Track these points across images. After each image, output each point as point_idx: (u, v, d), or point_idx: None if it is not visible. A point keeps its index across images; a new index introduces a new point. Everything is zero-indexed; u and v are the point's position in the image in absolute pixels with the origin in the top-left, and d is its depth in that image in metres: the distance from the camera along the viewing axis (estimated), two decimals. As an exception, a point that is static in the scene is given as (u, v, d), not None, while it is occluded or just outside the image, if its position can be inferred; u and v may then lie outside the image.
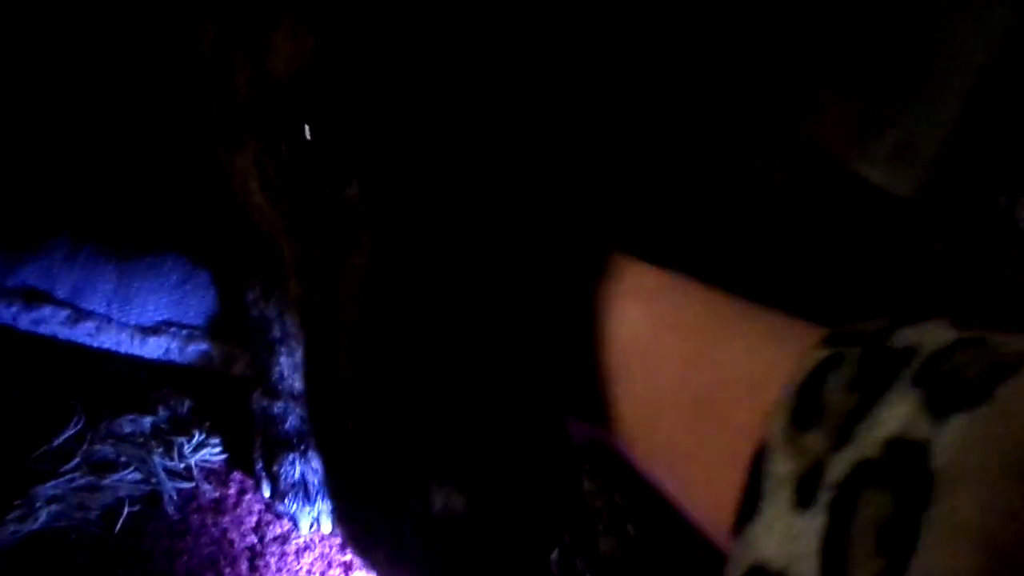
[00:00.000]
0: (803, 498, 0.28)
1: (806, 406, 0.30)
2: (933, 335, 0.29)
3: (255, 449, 0.69)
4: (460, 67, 0.40)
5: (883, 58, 0.94)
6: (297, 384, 0.70)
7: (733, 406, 0.34)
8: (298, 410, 0.69)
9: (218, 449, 0.70)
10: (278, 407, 0.68)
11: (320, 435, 0.41)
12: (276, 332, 0.70)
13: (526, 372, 0.38)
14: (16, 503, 0.64)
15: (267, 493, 0.67)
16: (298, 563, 0.66)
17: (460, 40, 0.40)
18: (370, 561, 0.37)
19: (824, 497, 0.27)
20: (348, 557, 0.66)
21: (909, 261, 0.93)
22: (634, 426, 0.39)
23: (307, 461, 0.67)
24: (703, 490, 0.35)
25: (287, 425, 0.68)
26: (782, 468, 0.29)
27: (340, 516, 0.39)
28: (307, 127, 0.41)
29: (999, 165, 0.96)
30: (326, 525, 0.67)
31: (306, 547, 0.67)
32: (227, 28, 0.47)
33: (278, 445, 0.67)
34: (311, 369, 0.43)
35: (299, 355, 0.71)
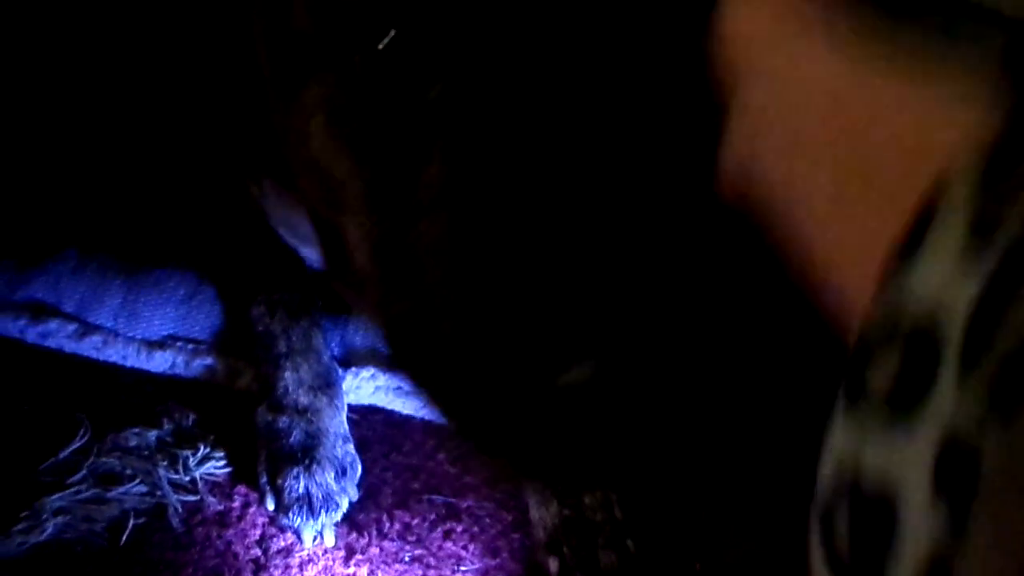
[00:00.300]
0: (978, 236, 0.22)
1: (1000, 167, 0.23)
2: None
3: (259, 463, 0.70)
4: None
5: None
6: (302, 399, 0.71)
7: (902, 159, 0.28)
8: (302, 424, 0.70)
9: (222, 462, 0.71)
10: (283, 421, 0.69)
11: (411, 354, 0.42)
12: (281, 347, 0.71)
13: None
14: (23, 514, 0.65)
15: (271, 506, 0.68)
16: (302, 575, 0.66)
17: None
18: (507, 457, 0.38)
19: (1001, 241, 0.22)
20: (351, 570, 0.67)
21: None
22: (747, 152, 0.34)
23: (311, 475, 0.67)
24: (845, 240, 0.30)
25: (291, 439, 0.69)
26: (960, 199, 0.23)
27: (463, 425, 0.40)
28: (380, 41, 0.41)
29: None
30: (329, 538, 0.68)
31: (309, 560, 0.67)
32: None
33: (282, 459, 0.68)
34: (386, 298, 0.43)
35: (304, 370, 0.72)
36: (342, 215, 0.48)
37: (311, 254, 0.70)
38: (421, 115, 0.41)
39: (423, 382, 0.43)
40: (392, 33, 0.41)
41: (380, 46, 0.42)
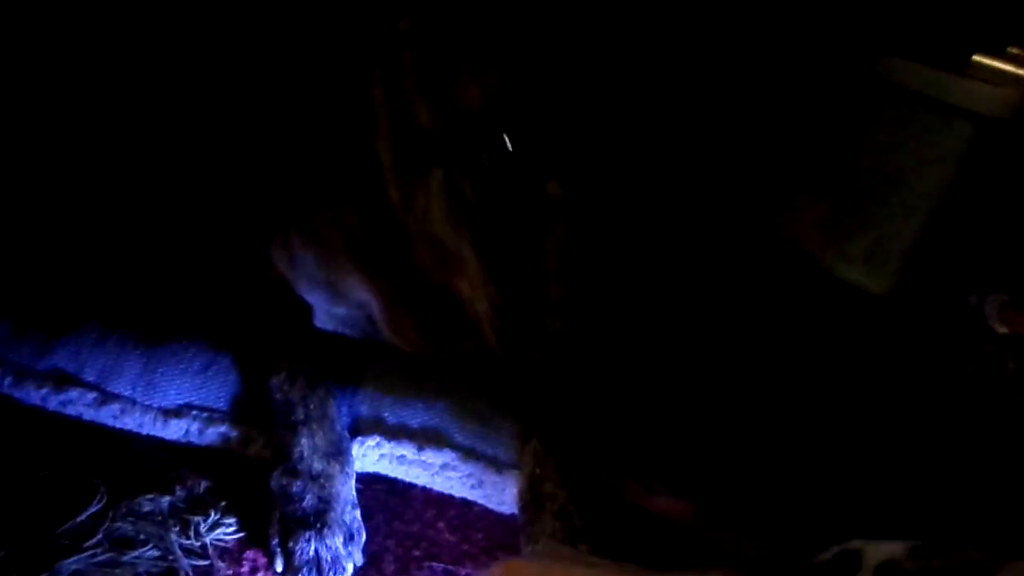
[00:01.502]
0: None
1: None
2: (883, 548, 0.33)
3: (271, 525, 0.73)
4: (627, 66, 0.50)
5: (854, 166, 1.02)
6: (316, 464, 0.74)
7: None
8: (315, 489, 0.73)
9: (232, 528, 0.74)
10: (297, 486, 0.72)
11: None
12: (299, 414, 0.75)
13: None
14: (41, 577, 0.67)
15: (280, 568, 0.71)
16: (308, 642, 0.68)
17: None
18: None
19: None
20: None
21: (884, 355, 0.99)
22: None
23: (321, 539, 0.70)
24: None
25: (305, 503, 0.72)
26: None
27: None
28: (507, 140, 0.51)
29: (968, 266, 1.02)
30: None
31: (316, 626, 0.69)
32: (401, 75, 0.57)
33: (295, 523, 0.71)
34: (513, 345, 0.54)
35: (319, 437, 0.75)
36: (459, 280, 0.57)
37: (343, 311, 0.76)
38: (540, 204, 0.51)
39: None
40: (507, 141, 0.52)
41: (508, 147, 0.51)
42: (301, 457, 0.73)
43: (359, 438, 0.78)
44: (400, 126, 0.58)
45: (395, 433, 0.78)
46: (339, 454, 0.75)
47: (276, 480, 0.73)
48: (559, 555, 0.49)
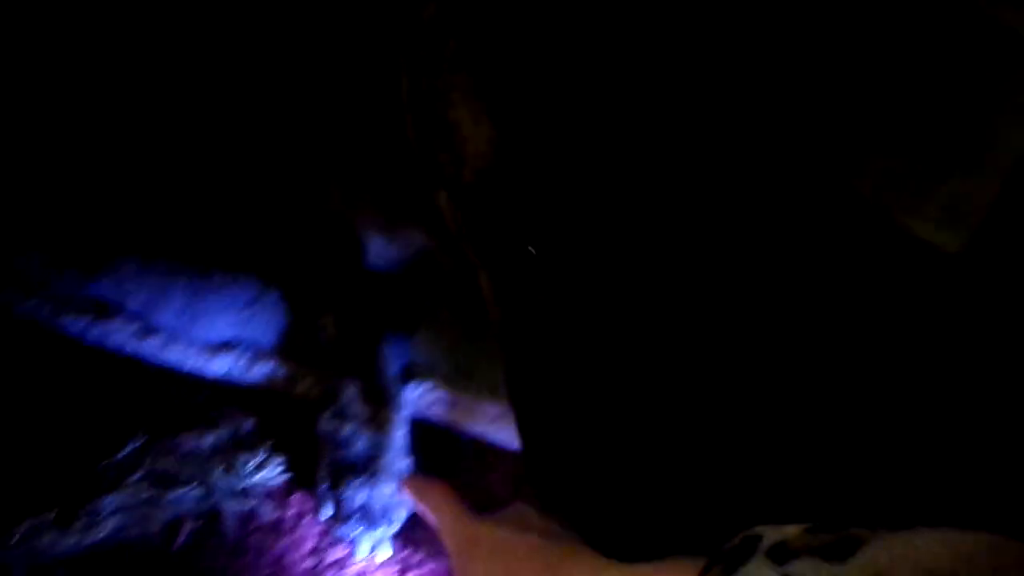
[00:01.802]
0: None
1: None
2: (783, 530, 0.34)
3: (319, 470, 0.70)
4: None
5: (932, 120, 0.96)
6: (366, 409, 0.70)
7: None
8: (365, 435, 0.70)
9: (278, 470, 0.71)
10: (347, 431, 0.69)
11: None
12: (348, 356, 0.71)
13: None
14: (82, 512, 0.65)
15: (329, 515, 0.68)
16: (356, 590, 0.66)
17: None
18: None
19: None
20: (408, 586, 0.66)
21: (954, 315, 0.93)
22: None
23: (372, 487, 0.67)
24: None
25: (354, 449, 0.68)
26: None
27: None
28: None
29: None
30: (385, 551, 0.67)
31: (363, 573, 0.67)
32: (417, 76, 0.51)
33: (344, 469, 0.68)
34: (512, 376, 0.48)
35: (368, 380, 0.72)
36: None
37: (398, 252, 0.72)
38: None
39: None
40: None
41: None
42: (350, 401, 0.70)
43: (412, 383, 0.74)
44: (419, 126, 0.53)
45: (450, 380, 0.74)
46: (390, 399, 0.71)
47: (325, 424, 0.70)
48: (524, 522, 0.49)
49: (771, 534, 0.35)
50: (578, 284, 0.44)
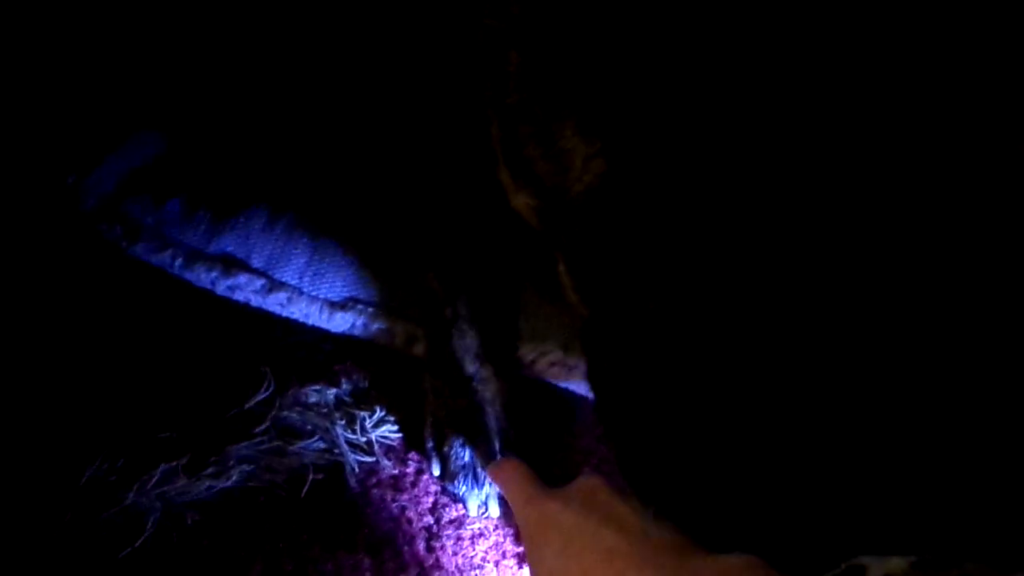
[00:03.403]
0: None
1: None
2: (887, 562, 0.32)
3: (426, 428, 0.69)
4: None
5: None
6: (468, 367, 0.70)
7: None
8: (467, 393, 0.69)
9: (397, 426, 0.71)
10: (449, 388, 0.68)
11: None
12: (448, 313, 0.70)
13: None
14: (211, 460, 0.67)
15: (436, 473, 0.67)
16: (473, 549, 0.65)
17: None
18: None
19: None
20: (522, 548, 0.66)
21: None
22: None
23: (476, 445, 0.66)
24: None
25: (457, 407, 0.68)
26: None
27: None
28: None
29: None
30: (494, 509, 0.67)
31: (480, 534, 0.66)
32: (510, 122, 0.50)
33: (448, 426, 0.67)
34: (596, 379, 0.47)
35: (469, 337, 0.71)
36: None
37: None
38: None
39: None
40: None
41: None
42: (452, 357, 0.69)
43: (528, 344, 0.73)
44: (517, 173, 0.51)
45: (566, 341, 0.73)
46: (494, 357, 0.70)
47: (429, 380, 0.69)
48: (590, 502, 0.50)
49: (875, 567, 0.32)
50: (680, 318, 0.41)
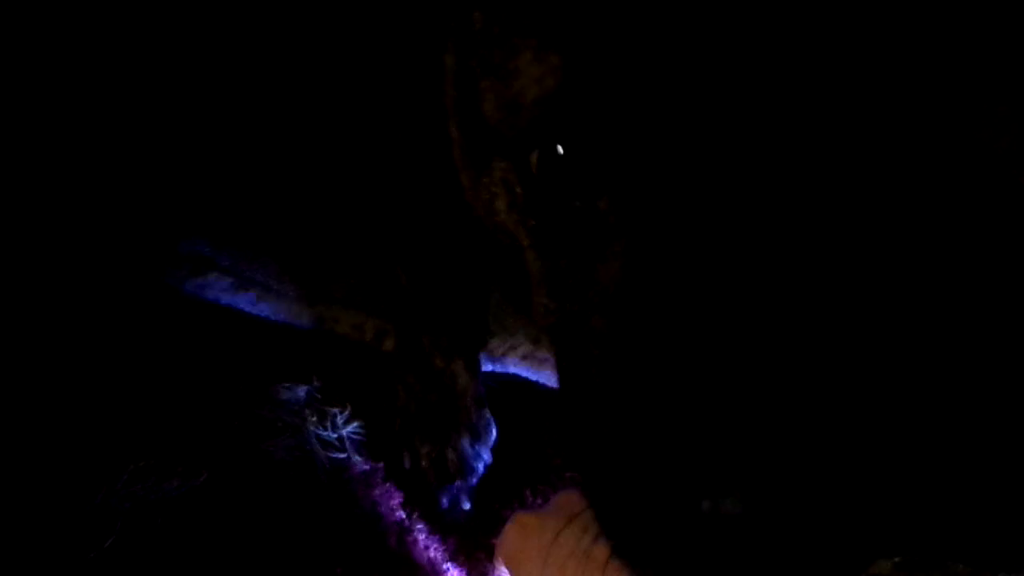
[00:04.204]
0: None
1: None
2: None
3: (397, 423, 0.70)
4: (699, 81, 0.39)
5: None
6: (438, 361, 0.70)
7: None
8: (437, 387, 0.69)
9: (368, 423, 0.71)
10: (418, 383, 0.68)
11: (578, 439, 0.42)
12: (419, 307, 0.70)
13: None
14: (181, 458, 0.66)
15: (408, 467, 0.68)
16: (444, 543, 0.66)
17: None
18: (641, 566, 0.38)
19: None
20: (492, 541, 0.66)
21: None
22: None
23: (445, 439, 0.67)
24: None
25: (428, 403, 0.68)
26: None
27: (606, 523, 0.39)
28: (559, 145, 0.41)
29: None
30: (465, 503, 0.67)
31: (452, 528, 0.66)
32: (471, 54, 0.48)
33: (418, 422, 0.67)
34: (563, 378, 0.44)
35: (439, 332, 0.71)
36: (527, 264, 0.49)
37: None
38: (593, 219, 0.41)
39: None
40: (560, 149, 0.42)
41: (559, 152, 0.42)
42: (422, 352, 0.69)
43: (498, 337, 0.73)
44: (468, 114, 0.50)
45: (537, 334, 0.73)
46: (464, 351, 0.70)
47: (399, 375, 0.69)
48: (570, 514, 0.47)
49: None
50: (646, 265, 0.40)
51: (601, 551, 0.44)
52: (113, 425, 0.68)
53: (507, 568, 0.53)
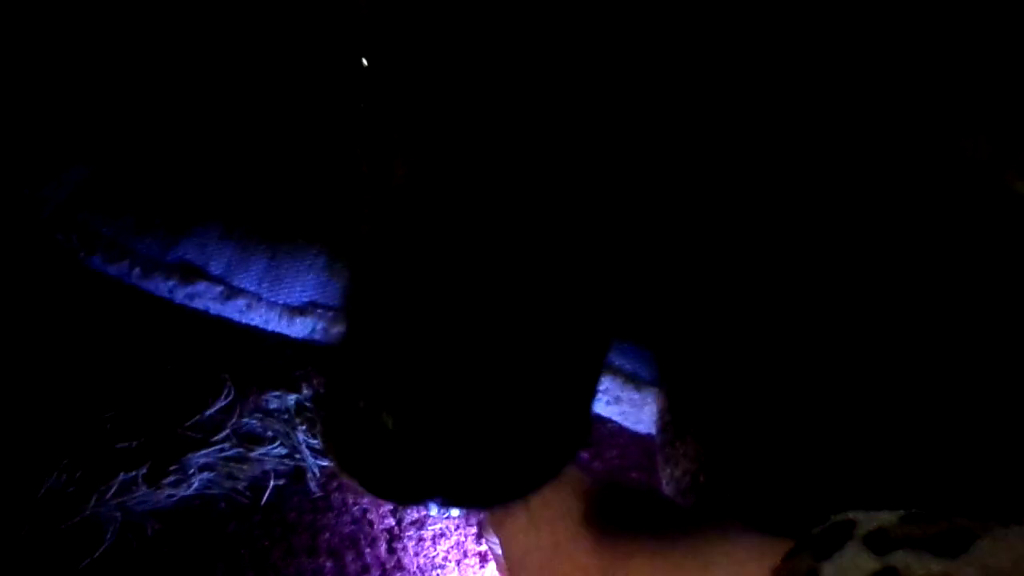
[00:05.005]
0: None
1: None
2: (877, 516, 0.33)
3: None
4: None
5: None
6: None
7: None
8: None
9: (358, 431, 0.71)
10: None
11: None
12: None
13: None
14: (171, 468, 0.67)
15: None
16: (434, 550, 0.66)
17: None
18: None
19: None
20: (483, 547, 0.66)
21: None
22: None
23: None
24: None
25: None
26: None
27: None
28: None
29: None
30: (454, 509, 0.67)
31: (442, 534, 0.67)
32: None
33: None
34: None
35: None
36: None
37: None
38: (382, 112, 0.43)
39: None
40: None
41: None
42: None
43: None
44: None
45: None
46: None
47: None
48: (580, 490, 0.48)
49: (865, 520, 0.33)
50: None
51: (589, 511, 0.44)
52: (102, 435, 0.68)
53: (495, 534, 0.54)
